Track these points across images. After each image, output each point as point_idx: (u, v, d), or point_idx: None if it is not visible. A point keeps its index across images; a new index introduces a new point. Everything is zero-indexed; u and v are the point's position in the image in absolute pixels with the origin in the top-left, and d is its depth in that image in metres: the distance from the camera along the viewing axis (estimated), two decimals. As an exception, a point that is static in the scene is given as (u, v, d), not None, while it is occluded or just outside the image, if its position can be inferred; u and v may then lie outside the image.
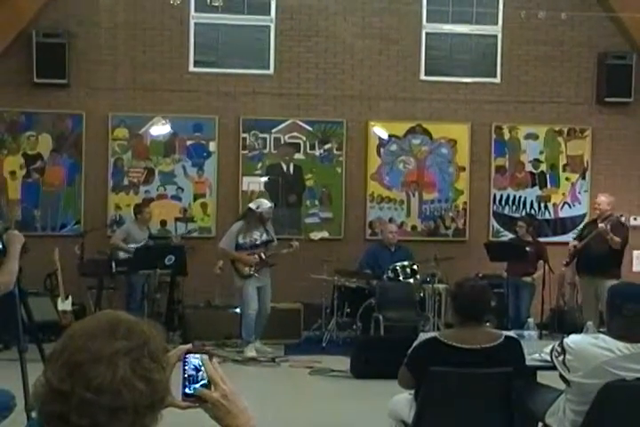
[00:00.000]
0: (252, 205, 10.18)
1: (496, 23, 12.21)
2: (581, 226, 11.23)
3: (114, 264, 10.32)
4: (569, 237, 11.21)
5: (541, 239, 11.36)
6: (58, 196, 11.60)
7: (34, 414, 1.84)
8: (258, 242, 10.01)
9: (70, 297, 10.28)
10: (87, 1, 11.58)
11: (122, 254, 10.65)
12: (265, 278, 10.07)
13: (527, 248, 10.55)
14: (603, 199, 9.98)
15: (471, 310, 4.50)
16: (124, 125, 11.66)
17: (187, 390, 1.99)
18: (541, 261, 10.63)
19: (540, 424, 4.75)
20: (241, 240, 9.99)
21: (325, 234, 10.26)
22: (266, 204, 10.15)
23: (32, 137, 11.54)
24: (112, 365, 1.72)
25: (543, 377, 5.08)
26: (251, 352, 9.80)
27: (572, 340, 4.35)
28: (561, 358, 4.34)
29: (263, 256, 9.94)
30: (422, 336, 4.58)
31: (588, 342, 4.27)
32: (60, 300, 10.18)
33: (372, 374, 8.32)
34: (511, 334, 4.70)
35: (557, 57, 12.28)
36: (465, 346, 4.39)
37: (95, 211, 11.66)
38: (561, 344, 4.39)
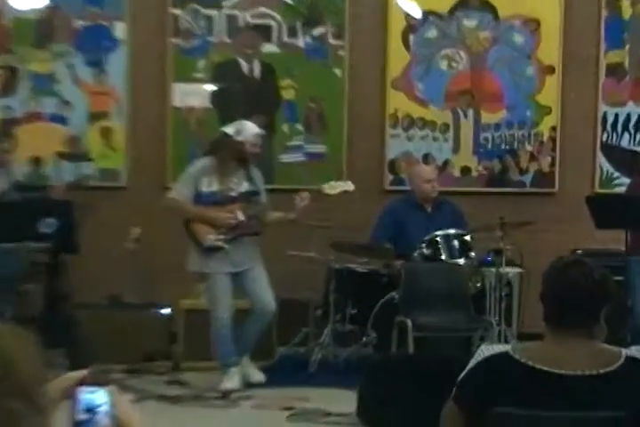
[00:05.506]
0: (228, 130, 7.71)
1: None
2: None
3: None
4: None
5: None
6: None
7: None
8: (234, 193, 7.59)
9: None
10: None
11: None
12: (244, 257, 7.60)
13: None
14: None
15: (574, 313, 3.18)
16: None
17: None
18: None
19: None
20: (205, 188, 7.54)
21: (350, 187, 7.82)
22: (251, 128, 7.73)
23: None
24: None
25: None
26: (231, 383, 7.42)
27: None
28: None
29: (242, 217, 7.48)
30: (483, 352, 3.38)
31: None
32: None
33: (393, 421, 6.51)
34: (635, 353, 3.41)
35: None
36: (557, 371, 3.20)
37: None
38: None
